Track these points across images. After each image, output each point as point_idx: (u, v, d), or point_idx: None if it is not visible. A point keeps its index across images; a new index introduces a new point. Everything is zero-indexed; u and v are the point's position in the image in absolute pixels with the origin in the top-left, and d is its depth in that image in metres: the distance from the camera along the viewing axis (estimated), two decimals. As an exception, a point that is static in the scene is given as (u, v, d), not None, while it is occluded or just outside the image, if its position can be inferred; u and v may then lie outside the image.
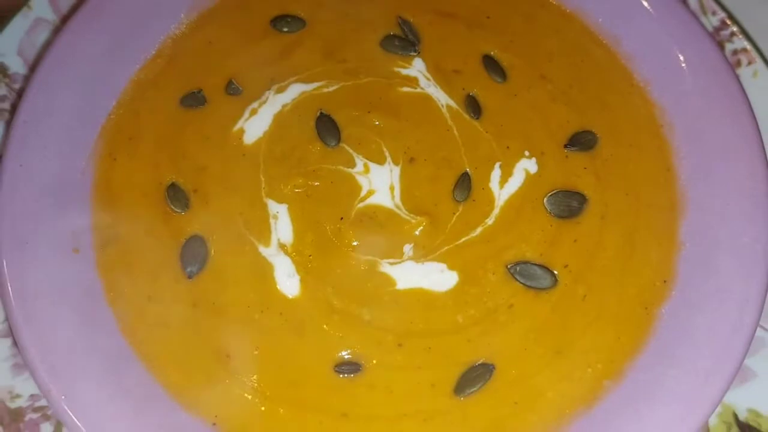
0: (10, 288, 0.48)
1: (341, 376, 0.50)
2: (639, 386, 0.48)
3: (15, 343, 0.52)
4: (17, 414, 0.51)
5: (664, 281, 0.53)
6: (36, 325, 0.47)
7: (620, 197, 0.56)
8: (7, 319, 0.53)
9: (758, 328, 0.54)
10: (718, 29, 0.63)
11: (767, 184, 0.52)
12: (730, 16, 0.64)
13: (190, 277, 0.52)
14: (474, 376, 0.50)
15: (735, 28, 0.63)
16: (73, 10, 0.62)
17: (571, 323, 0.52)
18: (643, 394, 0.48)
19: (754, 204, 0.51)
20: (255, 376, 0.50)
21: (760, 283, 0.47)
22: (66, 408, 0.45)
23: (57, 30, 0.62)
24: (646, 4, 0.60)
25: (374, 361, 0.51)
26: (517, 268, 0.53)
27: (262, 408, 0.49)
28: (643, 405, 0.47)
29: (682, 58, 0.58)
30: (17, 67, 0.61)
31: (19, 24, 0.61)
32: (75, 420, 0.44)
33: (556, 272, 0.53)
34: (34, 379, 0.46)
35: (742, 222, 0.51)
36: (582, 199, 0.56)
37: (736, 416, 0.52)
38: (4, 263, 0.49)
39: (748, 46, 0.62)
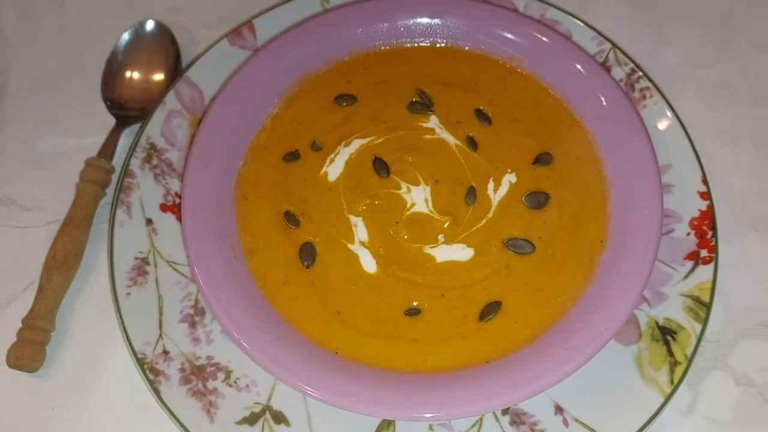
0: (202, 283, 0.62)
1: (409, 317, 0.63)
2: (588, 305, 0.62)
3: (190, 326, 0.67)
4: (201, 368, 0.65)
5: (601, 241, 0.66)
6: (222, 303, 0.61)
7: (570, 193, 0.68)
8: (206, 305, 0.65)
9: (667, 267, 0.68)
10: (629, 74, 0.78)
11: (657, 178, 0.65)
12: (636, 65, 0.79)
13: (307, 267, 0.65)
14: (490, 309, 0.63)
15: (640, 73, 0.77)
16: (193, 101, 0.77)
17: (546, 272, 0.65)
18: (591, 310, 0.61)
19: (650, 190, 0.65)
20: (356, 322, 0.63)
21: (655, 235, 0.63)
22: (246, 344, 0.59)
23: (183, 115, 0.76)
24: (579, 67, 0.73)
25: (427, 305, 0.64)
26: (510, 243, 0.66)
27: (364, 340, 0.62)
28: (591, 315, 0.61)
29: (603, 100, 0.71)
30: (161, 144, 0.75)
31: (158, 114, 0.75)
32: (249, 347, 0.59)
33: (534, 243, 0.66)
34: (227, 332, 0.60)
35: (644, 201, 0.65)
36: (546, 196, 0.68)
37: (656, 322, 0.67)
38: (196, 269, 0.63)
39: (650, 85, 0.78)
